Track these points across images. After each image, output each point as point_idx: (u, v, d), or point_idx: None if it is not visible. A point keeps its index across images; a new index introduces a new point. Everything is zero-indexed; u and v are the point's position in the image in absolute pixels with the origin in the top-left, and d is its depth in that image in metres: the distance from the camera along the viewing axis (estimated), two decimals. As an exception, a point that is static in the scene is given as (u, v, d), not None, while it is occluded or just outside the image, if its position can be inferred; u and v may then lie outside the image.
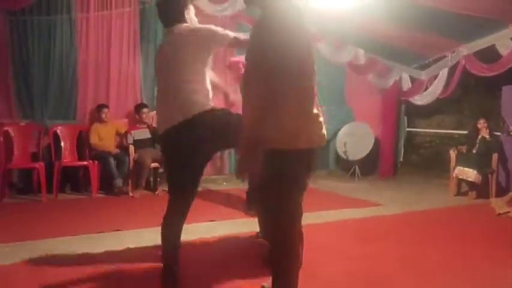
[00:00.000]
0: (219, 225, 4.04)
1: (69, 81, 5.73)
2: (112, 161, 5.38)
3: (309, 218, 3.77)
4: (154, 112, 6.04)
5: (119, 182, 5.38)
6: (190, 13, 2.54)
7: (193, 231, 3.73)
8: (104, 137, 5.59)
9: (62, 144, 5.41)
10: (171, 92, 2.40)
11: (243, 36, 2.50)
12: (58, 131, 5.42)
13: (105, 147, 5.53)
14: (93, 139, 5.51)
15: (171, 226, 2.49)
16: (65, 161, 5.34)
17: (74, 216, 4.30)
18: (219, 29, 2.45)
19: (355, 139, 7.32)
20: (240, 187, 6.15)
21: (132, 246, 3.30)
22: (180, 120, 2.32)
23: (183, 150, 2.36)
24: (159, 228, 3.37)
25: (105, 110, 5.64)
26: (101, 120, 5.61)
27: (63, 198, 5.19)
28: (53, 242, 3.37)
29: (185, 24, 2.47)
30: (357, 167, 7.36)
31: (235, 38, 2.48)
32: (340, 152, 7.29)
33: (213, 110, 2.42)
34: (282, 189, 1.86)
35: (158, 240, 3.41)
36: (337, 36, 7.19)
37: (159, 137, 2.54)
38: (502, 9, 5.36)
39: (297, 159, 1.84)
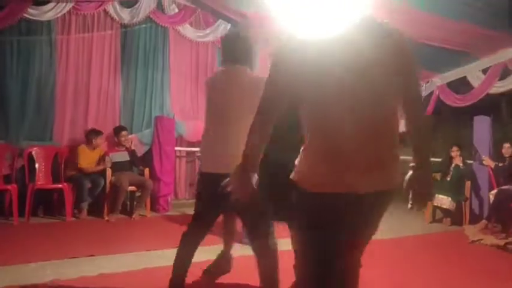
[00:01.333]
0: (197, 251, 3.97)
1: (46, 102, 5.65)
2: (86, 184, 5.28)
3: (288, 245, 3.77)
4: (133, 136, 6.05)
5: (84, 205, 5.28)
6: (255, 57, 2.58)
7: (167, 257, 3.66)
8: (90, 162, 5.53)
9: (37, 166, 5.29)
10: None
11: None
12: (33, 153, 5.30)
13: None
14: (83, 163, 5.44)
15: (191, 245, 2.62)
16: (39, 183, 5.21)
17: (46, 241, 4.17)
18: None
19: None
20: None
21: (106, 271, 3.21)
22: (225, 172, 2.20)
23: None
24: (135, 253, 3.30)
25: (100, 137, 5.61)
26: (90, 145, 5.54)
27: (36, 222, 5.03)
28: (25, 267, 3.25)
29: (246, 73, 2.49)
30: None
31: None
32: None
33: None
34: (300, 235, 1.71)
35: (134, 266, 3.36)
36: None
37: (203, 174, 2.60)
38: (473, 44, 5.62)
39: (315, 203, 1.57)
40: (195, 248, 2.63)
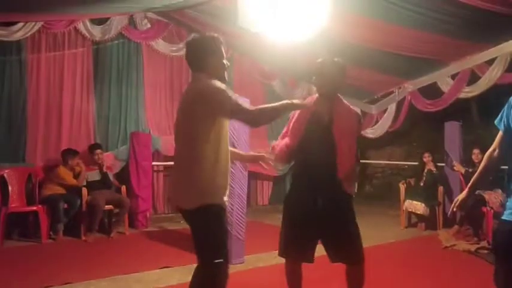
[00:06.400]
0: (174, 271, 3.97)
1: (18, 123, 5.56)
2: (61, 205, 5.21)
3: (261, 260, 3.78)
4: (109, 153, 6.00)
5: (60, 226, 5.21)
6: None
7: (145, 281, 3.66)
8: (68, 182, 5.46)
9: (10, 188, 5.19)
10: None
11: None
12: (5, 175, 5.20)
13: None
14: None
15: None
16: (13, 206, 5.12)
17: (21, 267, 4.09)
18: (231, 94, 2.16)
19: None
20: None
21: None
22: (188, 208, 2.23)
23: None
24: (112, 278, 3.24)
25: (77, 157, 5.53)
26: (67, 166, 5.46)
27: (11, 245, 4.93)
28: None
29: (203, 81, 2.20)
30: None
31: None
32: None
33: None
34: None
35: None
36: (291, 74, 7.44)
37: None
38: (441, 52, 5.76)
39: None
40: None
